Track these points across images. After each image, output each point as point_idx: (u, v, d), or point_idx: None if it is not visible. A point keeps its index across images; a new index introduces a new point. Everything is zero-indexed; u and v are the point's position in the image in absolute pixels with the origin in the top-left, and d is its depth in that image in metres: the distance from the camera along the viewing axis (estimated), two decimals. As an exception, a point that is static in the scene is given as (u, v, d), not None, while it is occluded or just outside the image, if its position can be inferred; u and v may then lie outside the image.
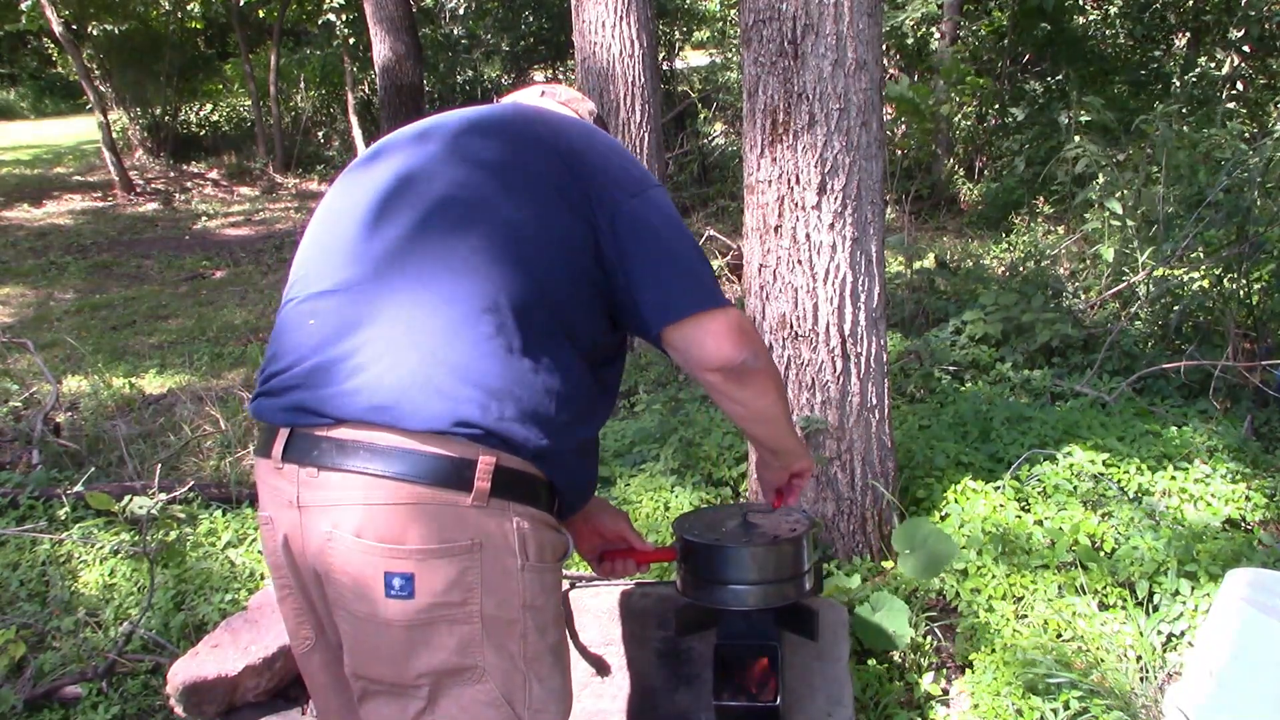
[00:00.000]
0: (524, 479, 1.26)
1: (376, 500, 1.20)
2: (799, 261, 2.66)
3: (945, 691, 2.38)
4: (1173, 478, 3.05)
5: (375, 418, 1.20)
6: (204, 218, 11.15)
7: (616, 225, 1.29)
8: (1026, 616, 2.49)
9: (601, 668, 1.91)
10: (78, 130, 16.17)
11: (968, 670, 2.37)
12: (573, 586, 1.93)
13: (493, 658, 1.24)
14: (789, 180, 2.62)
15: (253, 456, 1.53)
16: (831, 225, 2.62)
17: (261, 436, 1.33)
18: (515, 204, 1.28)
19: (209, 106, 15.24)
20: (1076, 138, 6.32)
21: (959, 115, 8.76)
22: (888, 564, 2.73)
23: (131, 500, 3.17)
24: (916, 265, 5.59)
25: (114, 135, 12.19)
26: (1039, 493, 2.97)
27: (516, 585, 1.26)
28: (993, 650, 2.35)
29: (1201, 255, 4.78)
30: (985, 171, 9.42)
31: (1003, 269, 6.07)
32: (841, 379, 2.72)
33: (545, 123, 1.40)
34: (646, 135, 5.22)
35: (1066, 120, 6.60)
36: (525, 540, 1.26)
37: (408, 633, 1.22)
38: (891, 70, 10.15)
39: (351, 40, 12.35)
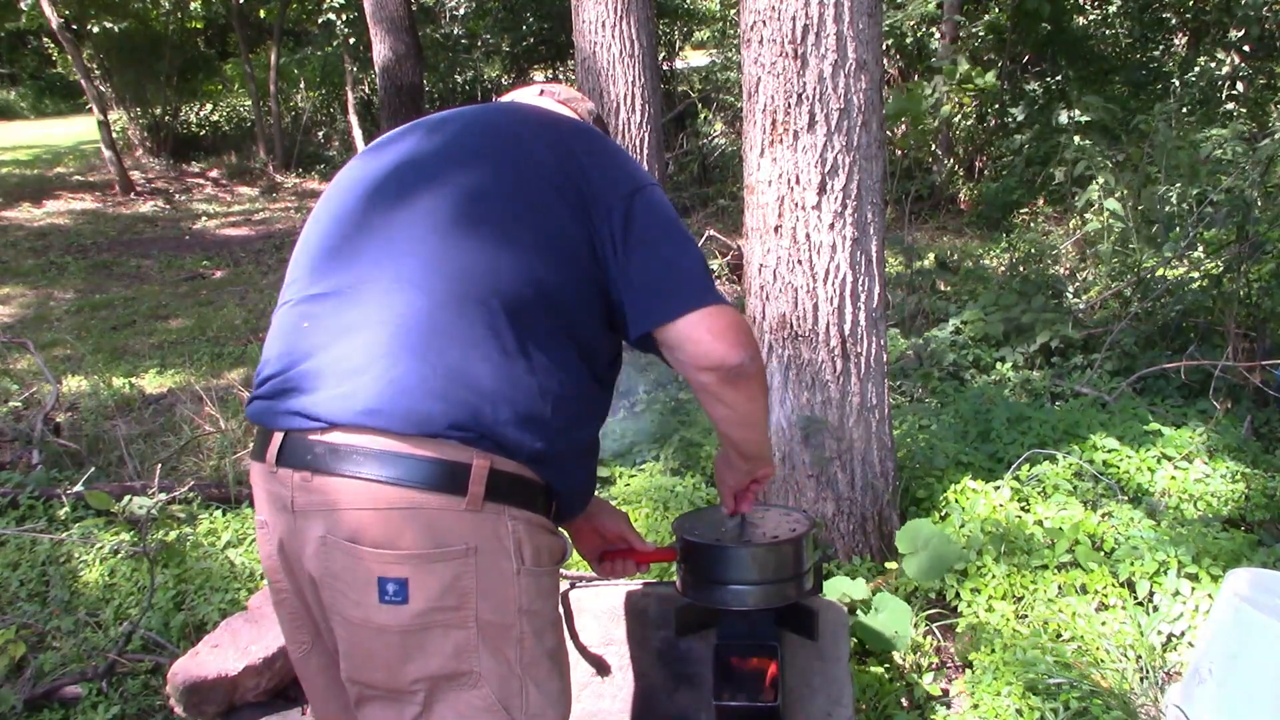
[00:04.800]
0: (519, 482, 1.25)
1: (370, 505, 1.19)
2: (799, 261, 2.66)
3: (945, 691, 2.38)
4: (1173, 478, 3.05)
5: (368, 421, 1.19)
6: (204, 217, 11.14)
7: (613, 224, 1.28)
8: (1026, 616, 2.49)
9: (601, 668, 1.91)
10: (78, 130, 16.15)
11: (968, 670, 2.37)
12: (573, 586, 1.92)
13: (489, 663, 1.23)
14: (789, 180, 2.62)
15: (249, 460, 1.53)
16: (831, 225, 2.62)
17: (257, 440, 1.33)
18: (511, 204, 1.28)
19: (209, 106, 15.23)
20: (1076, 138, 6.32)
21: (959, 115, 8.76)
22: (891, 565, 2.73)
23: (131, 500, 3.17)
24: (916, 265, 5.59)
25: (114, 135, 12.17)
26: (1039, 493, 2.97)
27: (512, 590, 1.25)
28: (993, 650, 2.35)
29: (1201, 255, 4.78)
30: (985, 171, 9.42)
31: (1003, 269, 6.07)
32: (841, 379, 2.72)
33: (542, 122, 1.40)
34: (646, 135, 5.22)
35: (1066, 120, 6.59)
36: (521, 544, 1.25)
37: (402, 638, 1.21)
38: (891, 71, 10.15)
39: (351, 40, 12.33)
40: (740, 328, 1.28)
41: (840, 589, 2.52)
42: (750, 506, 1.62)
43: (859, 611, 2.39)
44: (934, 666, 2.43)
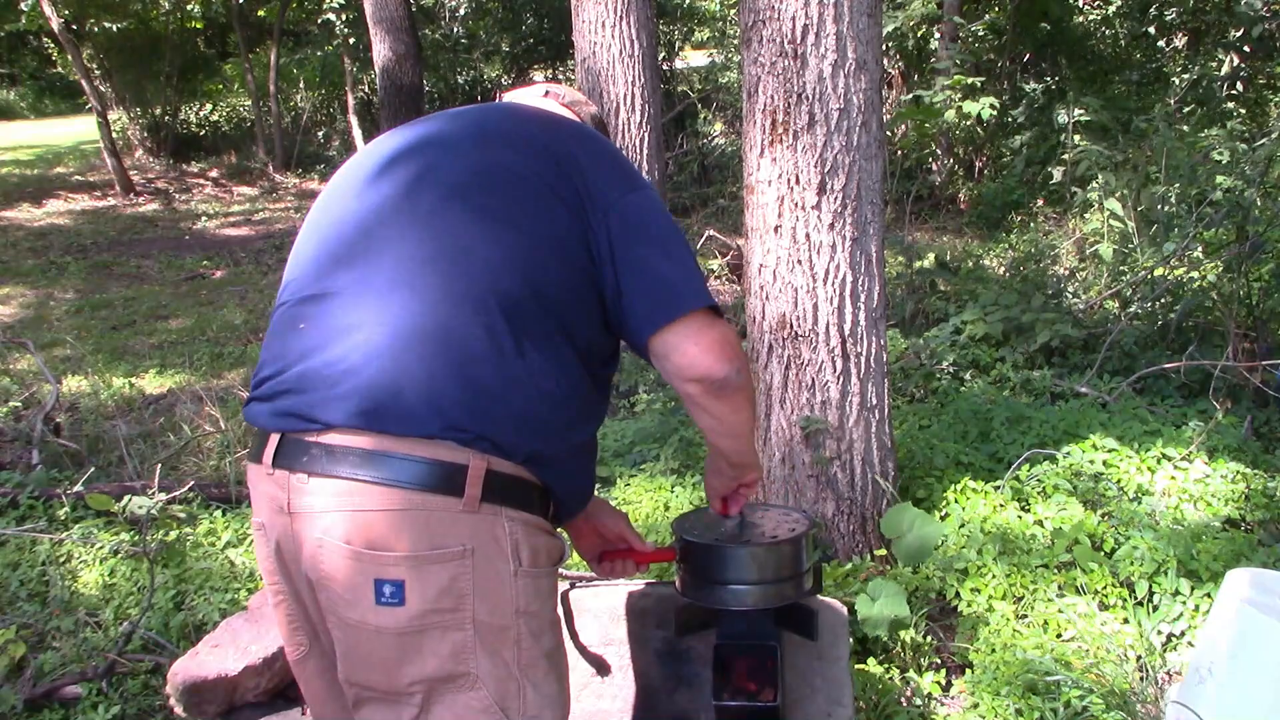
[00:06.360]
0: (516, 483, 1.25)
1: (366, 506, 1.19)
2: (799, 261, 2.66)
3: (945, 691, 2.38)
4: (1173, 478, 3.05)
5: (364, 423, 1.19)
6: (204, 218, 11.14)
7: (610, 226, 1.28)
8: (1026, 616, 2.50)
9: (601, 668, 1.91)
10: (78, 130, 16.15)
11: (968, 670, 2.37)
12: (572, 586, 1.93)
13: (486, 665, 1.23)
14: (789, 180, 2.62)
15: (246, 461, 1.53)
16: (831, 225, 2.62)
17: (254, 442, 1.33)
18: (509, 205, 1.27)
19: (209, 106, 15.24)
20: (1076, 138, 6.32)
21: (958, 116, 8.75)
22: (881, 552, 2.74)
23: (131, 500, 3.17)
24: (916, 265, 5.59)
25: (114, 135, 12.17)
26: (1039, 493, 2.97)
27: (509, 591, 1.24)
28: (993, 650, 2.35)
29: (1201, 255, 4.78)
30: (985, 171, 9.42)
31: (1003, 269, 6.07)
32: (841, 379, 2.72)
33: (542, 123, 1.40)
34: (646, 135, 5.22)
35: (1066, 120, 6.60)
36: (518, 545, 1.25)
37: (399, 640, 1.21)
38: (891, 71, 10.14)
39: (351, 40, 12.35)
40: (727, 341, 1.28)
41: (836, 577, 2.53)
42: (739, 508, 1.63)
43: (857, 600, 2.39)
44: (934, 666, 2.44)
